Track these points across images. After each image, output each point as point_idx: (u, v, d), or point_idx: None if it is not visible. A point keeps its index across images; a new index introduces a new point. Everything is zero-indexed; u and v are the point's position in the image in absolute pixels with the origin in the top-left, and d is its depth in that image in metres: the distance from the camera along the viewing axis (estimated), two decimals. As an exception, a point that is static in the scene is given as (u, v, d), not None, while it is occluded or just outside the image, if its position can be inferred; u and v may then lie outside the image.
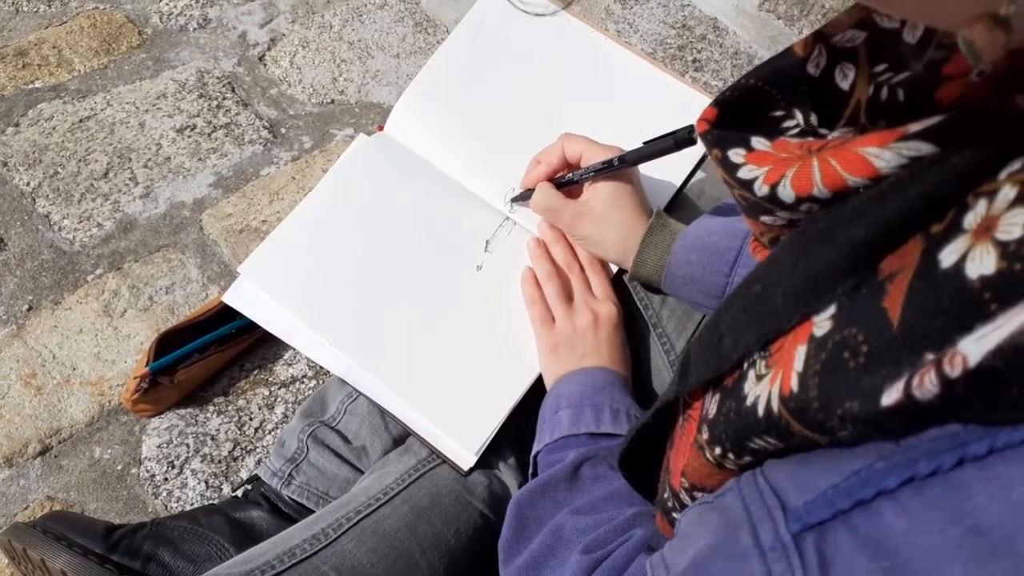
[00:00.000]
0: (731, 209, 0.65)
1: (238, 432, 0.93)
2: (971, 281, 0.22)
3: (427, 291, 0.71)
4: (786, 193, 0.32)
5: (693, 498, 0.37)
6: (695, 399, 0.37)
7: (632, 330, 0.69)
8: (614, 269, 0.70)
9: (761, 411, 0.29)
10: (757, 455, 0.31)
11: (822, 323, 0.28)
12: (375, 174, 0.75)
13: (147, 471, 0.90)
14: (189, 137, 1.20)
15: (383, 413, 0.72)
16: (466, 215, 0.74)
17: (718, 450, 0.33)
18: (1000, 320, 0.21)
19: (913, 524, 0.22)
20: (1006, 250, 0.21)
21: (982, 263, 0.22)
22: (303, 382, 0.98)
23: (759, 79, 0.35)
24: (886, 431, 0.24)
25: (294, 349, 0.92)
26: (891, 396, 0.23)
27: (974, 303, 0.22)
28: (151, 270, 1.05)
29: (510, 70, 0.78)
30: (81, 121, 1.19)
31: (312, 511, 0.73)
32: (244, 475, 0.90)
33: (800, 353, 0.28)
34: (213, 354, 0.94)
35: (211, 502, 0.87)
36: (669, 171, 0.73)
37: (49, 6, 1.35)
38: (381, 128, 0.79)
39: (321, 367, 0.91)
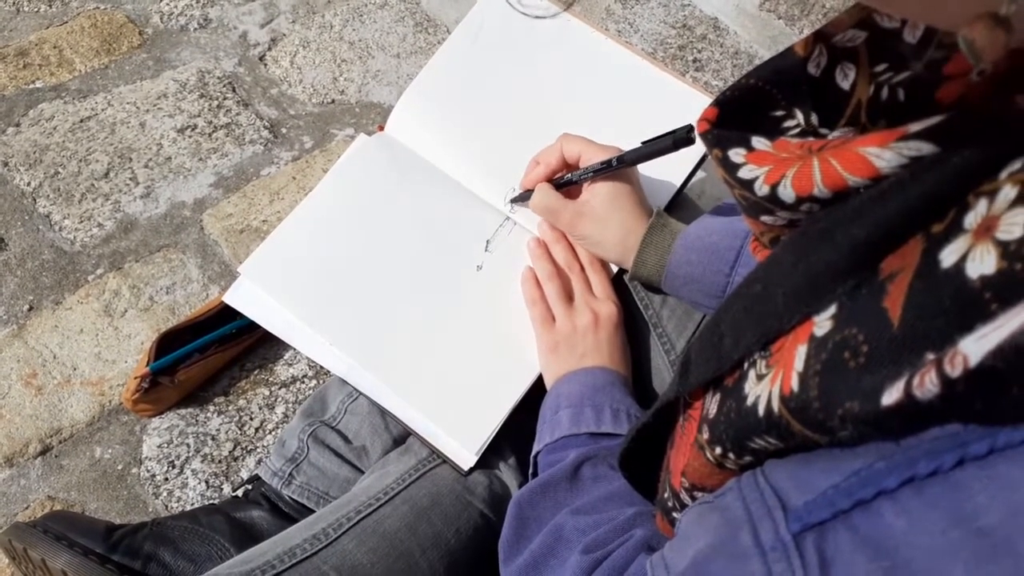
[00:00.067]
0: (731, 209, 0.65)
1: (238, 432, 0.94)
2: (971, 281, 0.22)
3: (428, 291, 0.71)
4: (786, 193, 0.32)
5: (693, 498, 0.37)
6: (695, 399, 0.37)
7: (632, 330, 0.69)
8: (614, 269, 0.70)
9: (761, 411, 0.29)
10: (757, 455, 0.31)
11: (822, 323, 0.28)
12: (375, 174, 0.75)
13: (147, 471, 0.90)
14: (190, 137, 1.20)
15: (383, 413, 0.72)
16: (466, 215, 0.74)
17: (718, 450, 0.33)
18: (1000, 320, 0.21)
19: (913, 524, 0.22)
20: (1007, 250, 0.21)
21: (983, 263, 0.22)
22: (303, 382, 0.99)
23: (760, 79, 0.35)
24: (886, 431, 0.24)
25: (294, 349, 0.92)
26: (891, 396, 0.23)
27: (974, 303, 0.22)
28: (152, 270, 1.05)
29: (510, 70, 0.78)
30: (82, 121, 1.19)
31: (312, 511, 0.73)
32: (244, 475, 0.90)
33: (800, 353, 0.28)
34: (213, 354, 0.94)
35: (211, 502, 0.87)
36: (669, 171, 0.73)
37: (50, 6, 1.35)
38: (382, 128, 0.79)
39: (321, 367, 0.91)
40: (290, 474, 0.77)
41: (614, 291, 0.69)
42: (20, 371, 0.94)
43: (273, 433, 0.94)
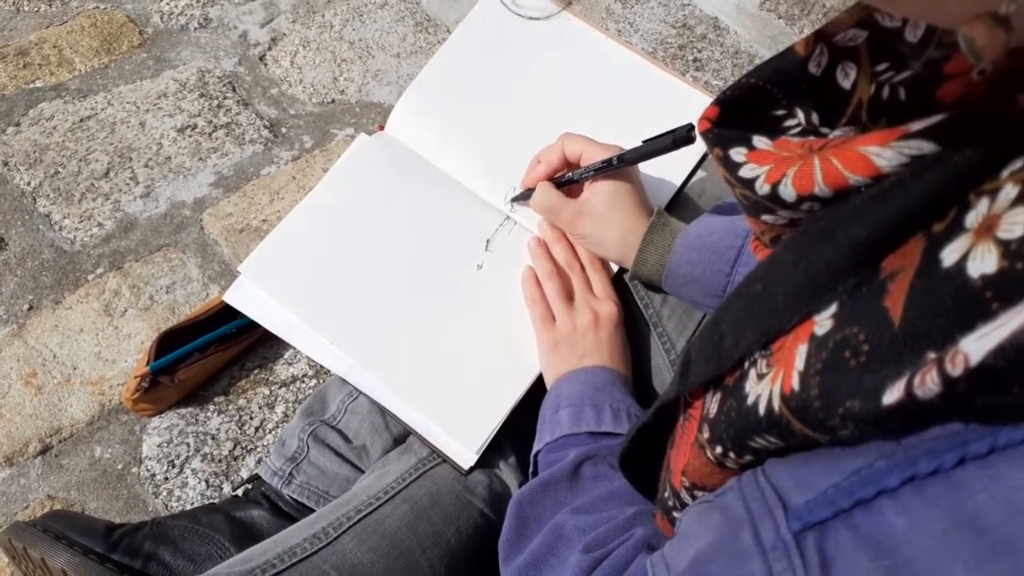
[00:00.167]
0: (732, 208, 0.65)
1: (238, 431, 0.94)
2: (972, 280, 0.22)
3: (428, 290, 0.71)
4: (787, 192, 0.32)
5: (694, 497, 0.37)
6: (696, 398, 0.37)
7: (633, 329, 0.69)
8: (615, 268, 0.70)
9: (762, 410, 0.29)
10: (758, 454, 0.31)
11: (823, 322, 0.28)
12: (375, 174, 0.75)
13: (147, 470, 0.90)
14: (190, 137, 1.20)
15: (384, 412, 0.72)
16: (467, 214, 0.74)
17: (719, 449, 0.33)
18: (1001, 319, 0.21)
19: (914, 523, 0.22)
20: (1007, 249, 0.21)
21: (983, 262, 0.22)
22: (304, 381, 0.99)
23: (760, 78, 0.35)
24: (887, 430, 0.24)
25: (294, 348, 0.92)
26: (892, 395, 0.23)
27: (975, 302, 0.22)
28: (152, 269, 1.05)
29: (511, 70, 0.78)
30: (82, 121, 1.19)
31: (312, 510, 0.73)
32: (244, 474, 0.90)
33: (801, 352, 0.28)
34: (214, 353, 0.94)
35: (211, 501, 0.87)
36: (670, 170, 0.73)
37: (50, 6, 1.35)
38: (382, 128, 0.79)
39: (322, 366, 0.91)
40: (290, 473, 0.77)
41: (614, 290, 0.69)
42: (20, 370, 0.94)
43: (273, 432, 0.94)
